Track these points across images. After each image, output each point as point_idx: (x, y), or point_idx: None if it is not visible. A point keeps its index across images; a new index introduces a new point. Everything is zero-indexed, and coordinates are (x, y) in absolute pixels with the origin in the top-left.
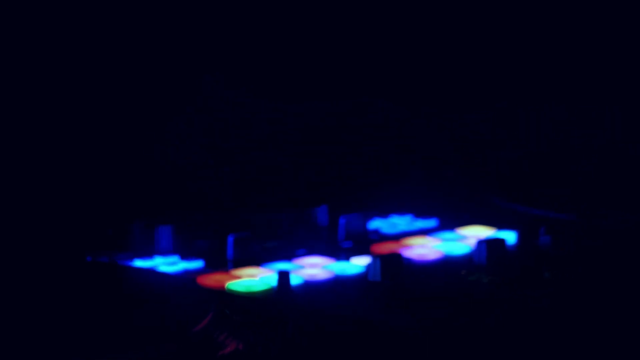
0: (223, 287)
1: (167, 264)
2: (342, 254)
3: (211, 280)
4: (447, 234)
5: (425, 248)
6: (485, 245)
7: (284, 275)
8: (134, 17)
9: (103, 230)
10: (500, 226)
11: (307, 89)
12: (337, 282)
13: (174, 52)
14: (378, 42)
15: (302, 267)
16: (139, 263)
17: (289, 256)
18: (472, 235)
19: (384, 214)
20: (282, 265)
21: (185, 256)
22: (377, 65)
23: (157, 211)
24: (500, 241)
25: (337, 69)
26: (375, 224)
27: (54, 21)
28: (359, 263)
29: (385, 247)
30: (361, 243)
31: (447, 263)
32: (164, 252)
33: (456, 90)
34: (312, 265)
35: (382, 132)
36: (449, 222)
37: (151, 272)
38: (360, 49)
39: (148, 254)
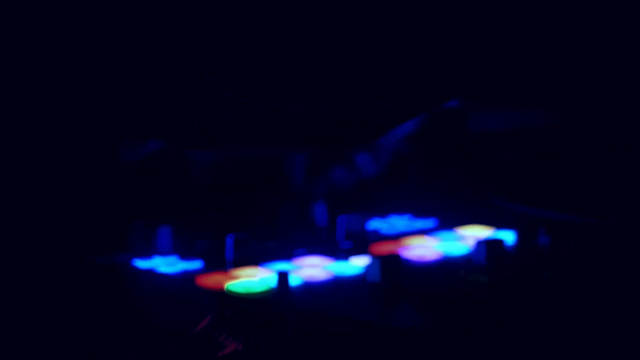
0: (222, 287)
1: (166, 265)
2: (341, 255)
3: (210, 280)
4: (446, 234)
5: (424, 248)
6: (485, 245)
7: (283, 276)
8: (134, 18)
9: (103, 231)
10: (499, 226)
11: (307, 89)
12: (336, 283)
13: (174, 52)
14: (378, 42)
15: (301, 267)
16: (138, 263)
17: (288, 256)
18: (471, 235)
19: (383, 214)
20: (281, 266)
21: (184, 256)
22: (377, 65)
23: (157, 211)
24: (499, 242)
25: (337, 69)
26: (374, 224)
27: (53, 21)
28: (358, 263)
29: (384, 248)
30: (360, 243)
31: (446, 263)
32: (163, 253)
33: (456, 90)
34: (311, 266)
35: (382, 132)
36: (448, 222)
37: (150, 273)
38: (360, 49)
39: (147, 255)
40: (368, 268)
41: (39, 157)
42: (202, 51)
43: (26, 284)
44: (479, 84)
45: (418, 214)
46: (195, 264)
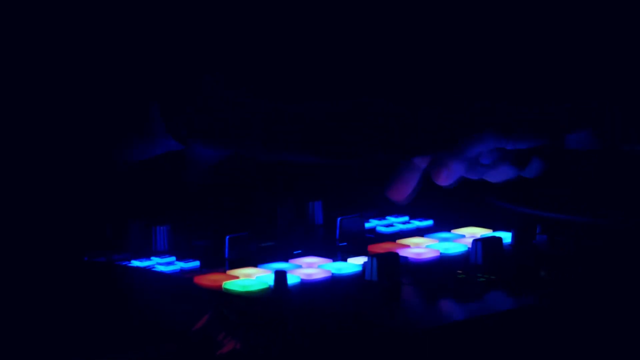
0: (220, 286)
1: (164, 264)
2: (339, 254)
3: (208, 280)
4: (444, 234)
5: (422, 247)
6: (481, 244)
7: (280, 275)
8: (134, 18)
9: (101, 230)
10: (496, 227)
11: (307, 89)
12: (334, 282)
13: (174, 52)
14: (378, 42)
15: (299, 266)
16: (136, 263)
17: (285, 256)
18: (469, 235)
19: (381, 215)
20: (279, 265)
21: (182, 256)
22: (377, 65)
23: (155, 211)
24: (497, 240)
25: (337, 69)
26: (372, 224)
27: (53, 20)
28: (356, 262)
29: (382, 247)
30: (358, 243)
31: (443, 262)
32: (161, 252)
33: (456, 90)
34: (309, 265)
35: (382, 132)
36: (446, 222)
37: (148, 272)
38: (360, 49)
39: (145, 254)
40: (365, 267)
41: (37, 156)
42: (202, 51)
43: (26, 285)
44: (479, 84)
45: (416, 214)
46: (193, 264)
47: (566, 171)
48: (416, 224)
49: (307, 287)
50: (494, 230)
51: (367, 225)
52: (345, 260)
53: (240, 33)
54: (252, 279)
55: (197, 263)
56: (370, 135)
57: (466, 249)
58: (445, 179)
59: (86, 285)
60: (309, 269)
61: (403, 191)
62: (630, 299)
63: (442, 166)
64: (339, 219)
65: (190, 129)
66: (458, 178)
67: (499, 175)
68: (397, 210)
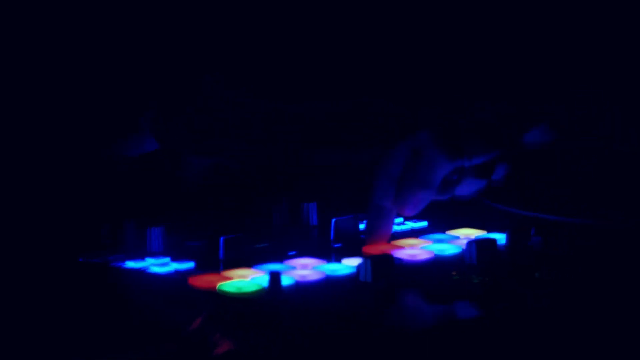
0: (214, 288)
1: (159, 265)
2: (334, 255)
3: (203, 281)
4: (438, 235)
5: (416, 249)
6: (475, 245)
7: (275, 276)
8: (134, 18)
9: (96, 231)
10: (490, 229)
11: (307, 89)
12: (328, 283)
13: (174, 52)
14: (378, 42)
15: (293, 267)
16: (130, 264)
17: (280, 257)
18: (464, 236)
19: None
20: (274, 266)
21: (176, 257)
22: (377, 65)
23: (151, 212)
24: (491, 241)
25: (337, 69)
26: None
27: (55, 20)
28: (350, 264)
29: (376, 248)
30: (352, 244)
31: (438, 263)
32: (155, 253)
33: (456, 90)
34: (304, 266)
35: (382, 132)
36: (440, 223)
37: (143, 273)
38: (360, 49)
39: (139, 255)
40: (360, 268)
41: (32, 157)
42: (202, 51)
43: (21, 285)
44: (479, 84)
45: (410, 217)
46: (187, 265)
47: (566, 171)
48: (410, 225)
49: (302, 288)
50: (489, 231)
51: (361, 226)
52: (339, 261)
53: (240, 33)
54: (247, 280)
55: (191, 264)
56: (370, 135)
57: (461, 250)
58: (412, 209)
59: (82, 286)
60: (303, 270)
61: (383, 237)
62: (630, 299)
63: (408, 195)
64: (333, 220)
65: (190, 129)
66: (426, 205)
67: (467, 188)
68: None
